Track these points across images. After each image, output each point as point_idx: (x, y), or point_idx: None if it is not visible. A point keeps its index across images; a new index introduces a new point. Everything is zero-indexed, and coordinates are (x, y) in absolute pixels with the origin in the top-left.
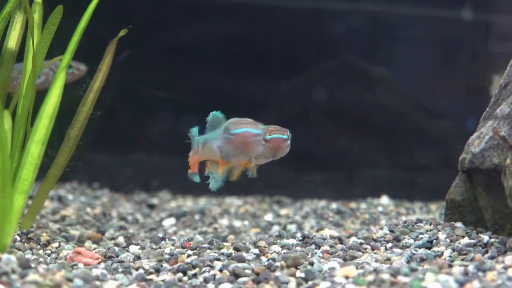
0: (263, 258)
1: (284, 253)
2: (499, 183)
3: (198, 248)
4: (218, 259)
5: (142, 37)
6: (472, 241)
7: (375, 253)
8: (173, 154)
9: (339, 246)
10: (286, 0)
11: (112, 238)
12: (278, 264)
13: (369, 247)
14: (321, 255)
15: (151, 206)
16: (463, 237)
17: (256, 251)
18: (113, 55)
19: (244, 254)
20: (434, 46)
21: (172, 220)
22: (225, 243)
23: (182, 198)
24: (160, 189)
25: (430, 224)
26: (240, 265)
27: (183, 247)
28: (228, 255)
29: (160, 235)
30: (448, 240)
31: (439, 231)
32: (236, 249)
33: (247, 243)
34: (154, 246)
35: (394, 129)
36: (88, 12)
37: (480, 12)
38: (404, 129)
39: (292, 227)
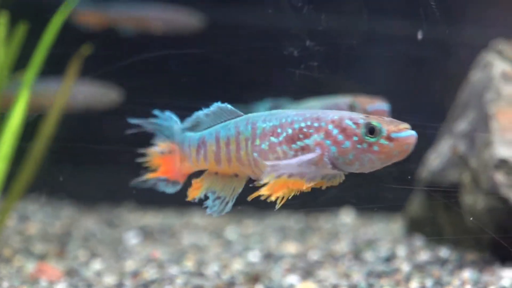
0: (225, 275)
1: (245, 269)
2: (457, 200)
3: (160, 264)
4: (180, 275)
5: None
6: (430, 256)
7: (335, 269)
8: (137, 166)
9: (300, 261)
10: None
11: (75, 254)
12: (238, 280)
13: (329, 262)
14: (281, 270)
15: (114, 221)
16: (422, 252)
17: (218, 267)
18: (77, 71)
19: (206, 270)
20: (392, 62)
21: (135, 235)
22: (186, 260)
23: (146, 212)
24: (124, 203)
25: (390, 240)
26: (200, 281)
27: (148, 260)
28: (190, 272)
29: (123, 251)
30: (407, 255)
31: (398, 246)
32: (198, 265)
33: (209, 259)
34: (116, 262)
35: None
36: (53, 28)
37: (442, 30)
38: None
39: (255, 242)
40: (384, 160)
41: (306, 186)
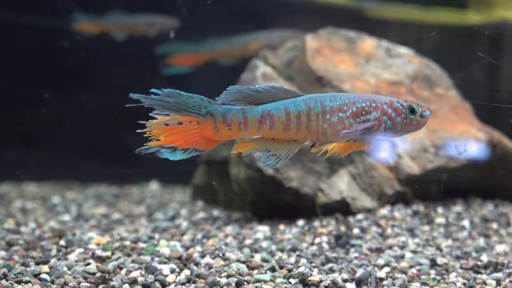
0: (38, 231)
1: (58, 226)
2: (227, 171)
3: None
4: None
5: None
6: (205, 215)
7: (130, 226)
8: None
9: (105, 220)
10: None
11: None
12: (47, 235)
13: (128, 221)
14: (87, 227)
15: None
16: (200, 213)
17: (34, 225)
18: None
19: (22, 228)
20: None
21: None
22: (9, 220)
23: None
24: None
25: (178, 203)
26: (15, 236)
27: None
28: (9, 229)
29: None
30: (188, 215)
31: (182, 208)
32: (17, 224)
33: (30, 220)
34: None
35: None
36: None
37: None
38: None
39: (73, 207)
40: (416, 130)
41: (366, 147)
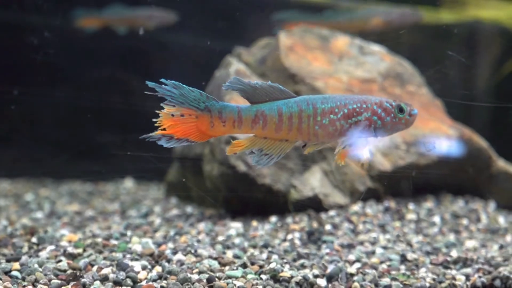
0: (10, 228)
1: (30, 224)
2: (201, 168)
3: None
4: None
5: None
6: (179, 212)
7: (103, 223)
8: None
9: (78, 217)
10: None
11: None
12: (19, 232)
13: (101, 218)
14: (59, 224)
15: None
16: (173, 209)
17: (6, 222)
18: None
19: None
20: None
21: None
22: None
23: None
24: None
25: (152, 200)
26: None
27: None
28: None
29: None
30: (161, 211)
31: (156, 205)
32: None
33: (1, 217)
34: None
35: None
36: None
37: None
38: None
39: (46, 204)
40: (404, 128)
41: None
